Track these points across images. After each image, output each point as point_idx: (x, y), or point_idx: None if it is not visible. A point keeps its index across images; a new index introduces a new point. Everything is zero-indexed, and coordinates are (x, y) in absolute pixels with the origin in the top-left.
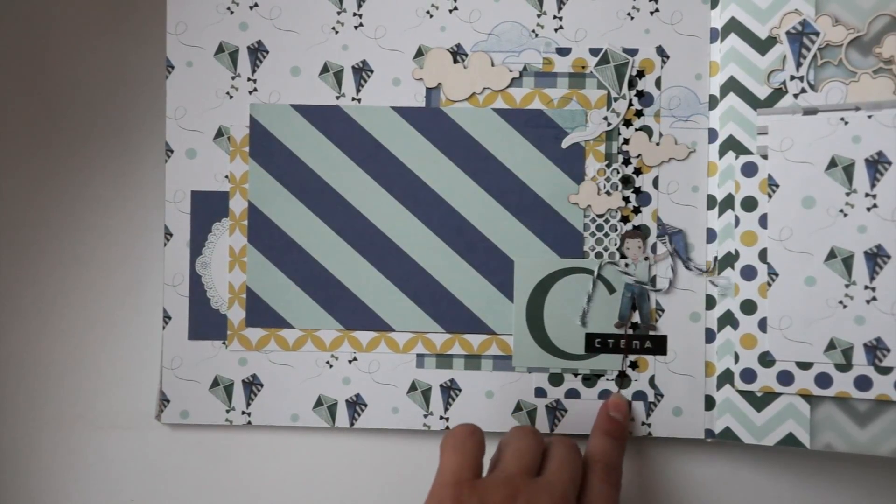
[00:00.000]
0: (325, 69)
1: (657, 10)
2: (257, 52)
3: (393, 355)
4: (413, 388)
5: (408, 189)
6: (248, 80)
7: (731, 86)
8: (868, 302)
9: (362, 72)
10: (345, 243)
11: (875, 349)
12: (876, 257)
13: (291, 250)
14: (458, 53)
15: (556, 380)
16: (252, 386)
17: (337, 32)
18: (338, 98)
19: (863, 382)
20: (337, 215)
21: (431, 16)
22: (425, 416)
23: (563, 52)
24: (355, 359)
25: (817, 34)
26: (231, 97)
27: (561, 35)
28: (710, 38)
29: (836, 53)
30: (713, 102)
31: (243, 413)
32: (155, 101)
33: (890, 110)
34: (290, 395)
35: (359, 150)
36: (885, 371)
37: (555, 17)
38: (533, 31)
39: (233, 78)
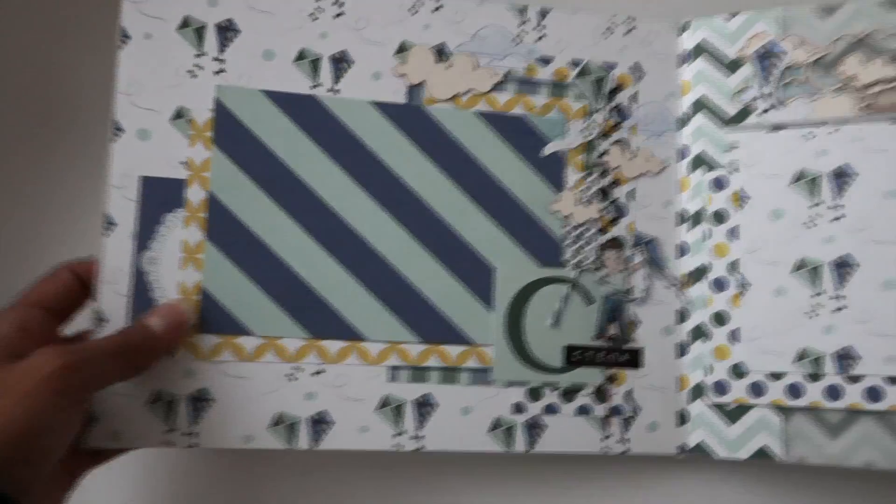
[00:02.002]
0: (300, 56)
1: (634, 28)
2: (227, 30)
3: (364, 367)
4: (385, 404)
5: (386, 189)
6: (215, 59)
7: (701, 104)
8: (837, 311)
9: (341, 62)
10: (315, 244)
11: (845, 358)
12: (843, 267)
13: (255, 249)
14: (442, 53)
15: (534, 395)
16: (200, 402)
17: (316, 19)
18: (314, 87)
19: (834, 392)
20: (307, 213)
21: (416, 12)
22: (396, 435)
23: (545, 60)
24: (322, 371)
25: (783, 55)
26: (195, 76)
27: (543, 44)
28: (682, 59)
29: (800, 73)
30: (684, 121)
31: (186, 434)
32: (105, 73)
33: (853, 125)
34: (245, 412)
35: (334, 144)
36: (855, 380)
37: (536, 27)
38: (516, 37)
39: (197, 56)
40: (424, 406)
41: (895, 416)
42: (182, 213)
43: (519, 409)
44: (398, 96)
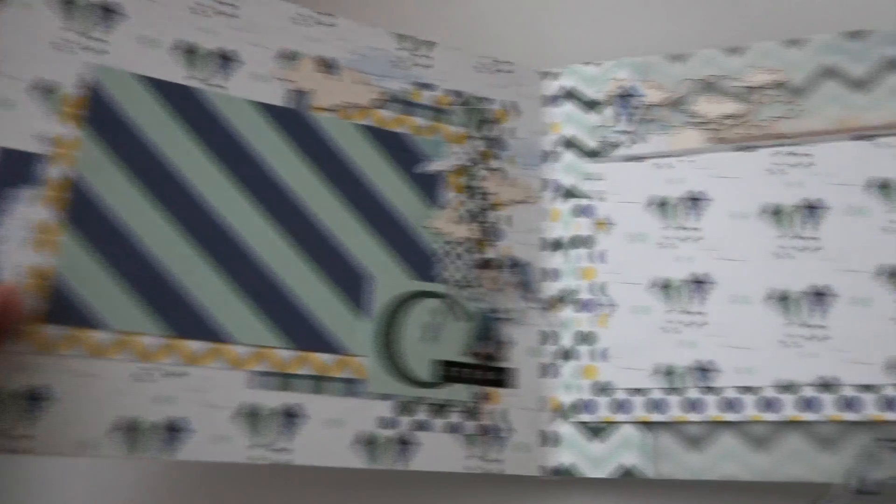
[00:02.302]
0: (187, 48)
1: (511, 70)
2: (106, 8)
3: (228, 372)
4: (247, 412)
5: (264, 189)
6: (93, 38)
7: (569, 142)
8: (694, 326)
9: (227, 59)
10: (184, 238)
11: (705, 371)
12: (699, 284)
13: (118, 237)
14: (330, 65)
15: (407, 409)
16: (38, 401)
17: (207, 15)
18: (197, 80)
19: (694, 405)
20: (178, 205)
21: (306, 24)
22: (253, 446)
23: (428, 87)
24: (181, 373)
25: (638, 96)
26: (71, 52)
27: (427, 72)
28: (552, 100)
29: (656, 112)
30: (555, 156)
31: (19, 437)
32: None
33: (703, 155)
34: (88, 414)
35: (214, 140)
36: (713, 392)
37: (421, 55)
38: (402, 62)
39: (72, 31)
40: (292, 416)
41: (753, 426)
42: (41, 191)
43: (389, 423)
44: (284, 100)
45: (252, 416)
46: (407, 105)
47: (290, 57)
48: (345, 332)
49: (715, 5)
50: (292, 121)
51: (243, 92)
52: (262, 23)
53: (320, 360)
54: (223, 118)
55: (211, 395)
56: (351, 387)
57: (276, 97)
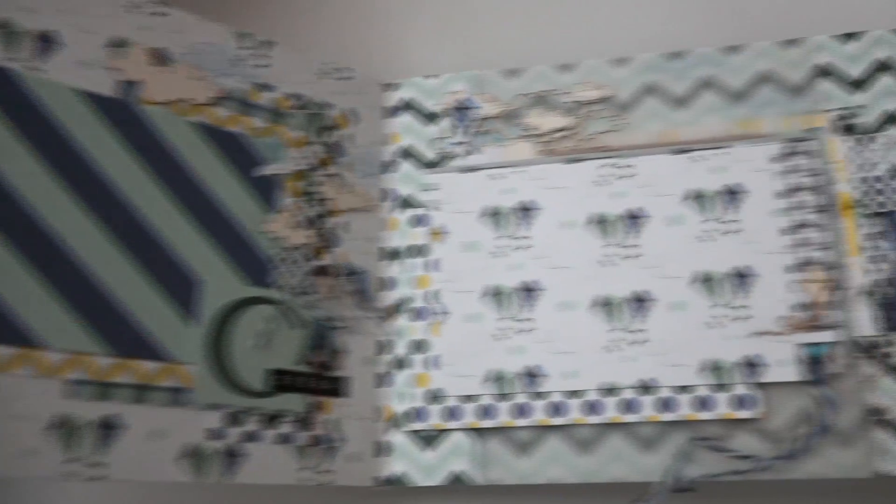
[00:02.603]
0: (2, 23)
1: (352, 77)
2: None
3: (38, 380)
4: (59, 423)
5: (85, 182)
6: None
7: (407, 152)
8: (523, 332)
9: (49, 42)
10: None
11: (533, 376)
12: (531, 291)
13: None
14: (163, 57)
15: (235, 420)
16: None
17: None
18: (16, 62)
19: (522, 410)
20: None
21: (139, 13)
22: (67, 461)
23: (266, 88)
24: None
25: (475, 109)
26: None
27: (266, 72)
28: (391, 111)
29: (491, 124)
30: (393, 166)
31: None
32: None
33: (535, 167)
34: None
35: (31, 127)
36: (540, 396)
37: (260, 55)
38: (240, 60)
39: None
40: (110, 428)
41: (578, 430)
42: None
43: (217, 434)
44: (113, 91)
45: (65, 429)
46: (245, 105)
47: (119, 45)
48: (171, 338)
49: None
50: (120, 113)
51: (66, 78)
52: (90, 7)
53: (143, 368)
54: (42, 104)
55: (18, 405)
56: (177, 396)
57: (104, 87)
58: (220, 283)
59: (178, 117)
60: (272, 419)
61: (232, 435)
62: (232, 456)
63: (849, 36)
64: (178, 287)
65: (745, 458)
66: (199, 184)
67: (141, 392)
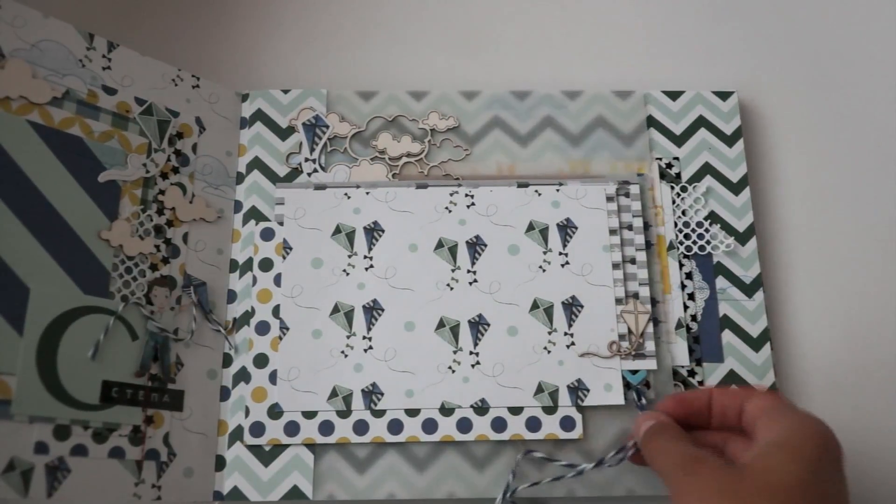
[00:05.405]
0: None
1: (198, 86)
2: None
3: None
4: None
5: None
6: None
7: (256, 164)
8: (365, 351)
9: None
10: None
11: (372, 394)
12: (374, 310)
13: None
14: None
15: (62, 433)
16: None
17: None
18: None
19: (361, 427)
20: None
21: None
22: None
23: (109, 90)
24: None
25: (327, 127)
26: None
27: (108, 74)
28: (241, 122)
29: (342, 143)
30: (240, 178)
31: None
32: None
33: (383, 189)
34: None
35: None
36: (379, 414)
37: (104, 56)
38: (80, 60)
39: None
40: None
41: (415, 447)
42: None
43: (41, 448)
44: None
45: None
46: (82, 106)
47: None
48: None
49: (410, 51)
50: None
51: None
52: None
53: None
54: None
55: None
56: None
57: None
58: (52, 291)
59: (12, 116)
60: (103, 433)
61: (58, 449)
62: (58, 471)
63: (677, 93)
64: (5, 294)
65: (568, 466)
66: (33, 186)
67: None
